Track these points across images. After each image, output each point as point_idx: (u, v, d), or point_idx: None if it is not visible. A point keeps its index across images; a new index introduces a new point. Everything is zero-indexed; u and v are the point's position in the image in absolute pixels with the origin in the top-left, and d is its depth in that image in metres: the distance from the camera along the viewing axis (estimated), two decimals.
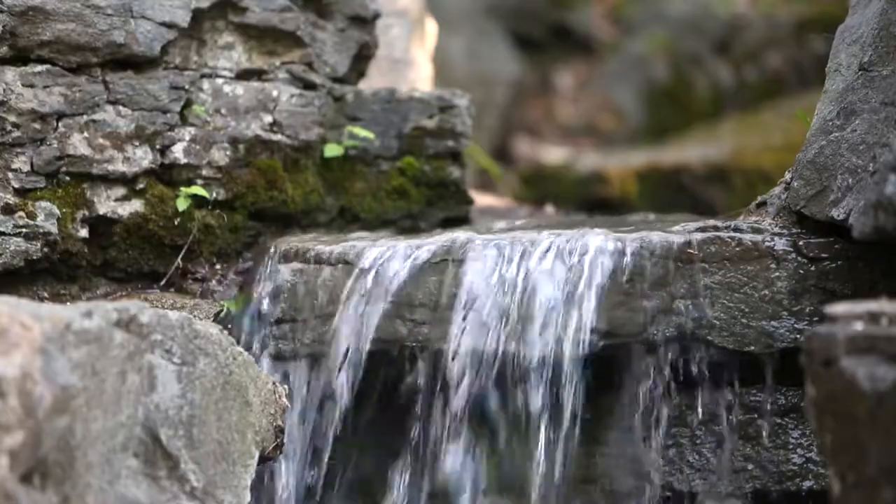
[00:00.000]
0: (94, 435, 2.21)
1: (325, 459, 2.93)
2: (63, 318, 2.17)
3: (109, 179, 3.08)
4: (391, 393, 2.91)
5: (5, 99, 2.96)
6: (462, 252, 2.87)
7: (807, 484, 2.80)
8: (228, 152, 3.20)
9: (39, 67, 3.00)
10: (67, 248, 3.03)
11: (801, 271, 2.81)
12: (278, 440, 2.58)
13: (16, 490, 2.02)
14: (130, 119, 3.08)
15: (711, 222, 2.95)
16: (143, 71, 3.11)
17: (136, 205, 3.11)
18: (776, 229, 2.88)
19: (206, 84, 3.21)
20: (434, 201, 3.41)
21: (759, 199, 3.05)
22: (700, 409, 2.83)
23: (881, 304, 2.11)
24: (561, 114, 7.53)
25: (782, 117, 5.94)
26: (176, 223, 3.13)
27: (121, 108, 3.08)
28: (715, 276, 2.81)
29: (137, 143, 3.09)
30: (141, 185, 3.11)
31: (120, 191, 3.10)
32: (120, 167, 3.08)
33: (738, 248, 2.81)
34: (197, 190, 3.13)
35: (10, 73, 2.97)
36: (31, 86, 2.99)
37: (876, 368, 2.00)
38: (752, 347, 2.79)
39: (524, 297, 2.81)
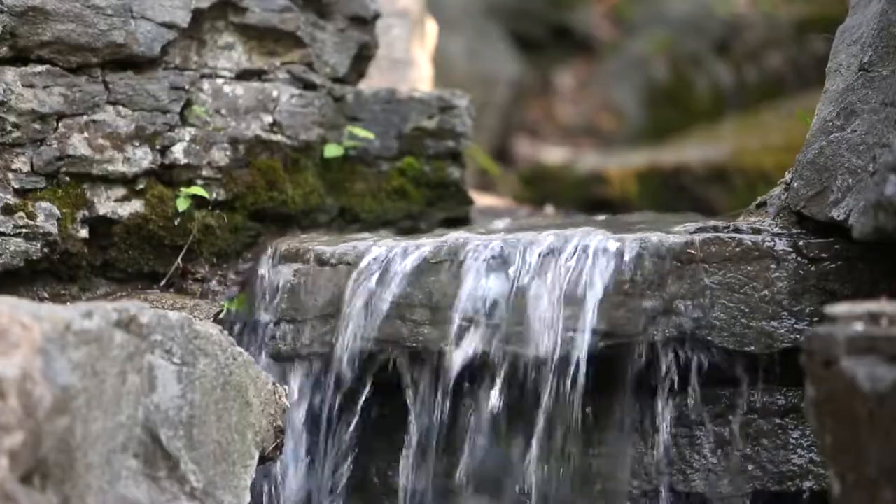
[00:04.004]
0: (94, 435, 2.21)
1: (326, 459, 2.93)
2: (63, 319, 2.17)
3: (109, 180, 3.08)
4: (392, 393, 2.91)
5: (5, 99, 2.96)
6: (462, 252, 2.87)
7: (807, 484, 2.80)
8: (228, 152, 3.20)
9: (39, 68, 3.00)
10: (67, 248, 3.03)
11: (801, 272, 2.81)
12: (278, 440, 2.58)
13: (16, 491, 2.02)
14: (130, 119, 3.08)
15: (711, 222, 2.95)
16: (143, 71, 3.11)
17: (136, 205, 3.11)
18: (776, 230, 2.88)
19: (206, 84, 3.21)
20: (434, 202, 3.41)
21: (759, 199, 3.05)
22: (700, 410, 2.83)
23: (881, 305, 2.11)
24: (561, 114, 7.53)
25: (782, 117, 5.94)
26: (176, 223, 3.13)
27: (121, 108, 3.08)
28: (715, 276, 2.81)
29: (137, 144, 3.09)
30: (141, 186, 3.11)
31: (120, 191, 3.10)
32: (120, 167, 3.08)
33: (738, 249, 2.81)
34: (197, 190, 3.13)
35: (10, 74, 2.97)
36: (31, 86, 2.99)
37: (876, 369, 2.00)
38: (752, 348, 2.79)
39: (524, 298, 2.81)
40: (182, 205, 3.12)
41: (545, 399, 2.79)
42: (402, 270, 2.88)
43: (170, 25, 3.11)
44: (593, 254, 2.82)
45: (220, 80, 3.23)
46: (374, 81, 3.70)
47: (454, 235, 2.95)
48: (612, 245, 2.83)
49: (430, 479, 2.88)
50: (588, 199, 5.84)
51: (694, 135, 6.58)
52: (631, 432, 2.85)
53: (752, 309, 2.80)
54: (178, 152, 3.14)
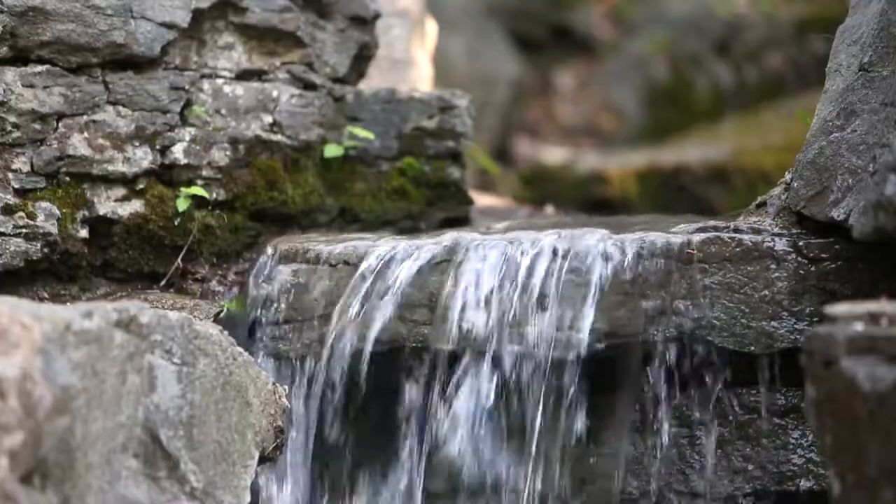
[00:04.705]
0: (94, 435, 2.21)
1: (325, 459, 2.93)
2: (63, 319, 2.17)
3: (109, 180, 3.08)
4: (392, 393, 2.91)
5: (5, 99, 2.96)
6: (462, 252, 2.87)
7: (807, 484, 2.80)
8: (228, 153, 3.20)
9: (39, 68, 3.00)
10: (67, 248, 3.03)
11: (802, 272, 2.81)
12: (278, 441, 2.58)
13: (16, 491, 2.02)
14: (130, 119, 3.08)
15: (711, 222, 2.95)
16: (143, 71, 3.11)
17: (136, 205, 3.11)
18: (776, 230, 2.88)
19: (206, 84, 3.21)
20: (434, 202, 3.41)
21: (759, 199, 3.05)
22: (700, 410, 2.83)
23: (881, 305, 2.11)
24: (561, 114, 7.53)
25: (782, 117, 5.94)
26: (176, 223, 3.13)
27: (121, 108, 3.08)
28: (715, 276, 2.81)
29: (137, 144, 3.09)
30: (141, 186, 3.11)
31: (120, 191, 3.10)
32: (120, 167, 3.08)
33: (738, 249, 2.81)
34: (197, 190, 3.13)
35: (10, 74, 2.97)
36: (31, 86, 2.99)
37: (876, 369, 2.00)
38: (752, 348, 2.79)
39: (524, 298, 2.81)
40: (182, 205, 3.12)
41: (545, 399, 2.79)
42: (402, 271, 2.88)
43: (170, 25, 3.11)
44: (594, 254, 2.82)
45: (220, 80, 3.23)
46: (374, 81, 3.70)
47: (454, 235, 2.95)
48: (612, 245, 2.83)
49: (430, 479, 2.88)
50: (588, 199, 5.84)
51: (694, 135, 6.58)
52: (631, 432, 2.85)
53: (752, 309, 2.80)
54: (178, 152, 3.14)
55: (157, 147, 3.12)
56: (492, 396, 2.82)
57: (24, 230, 2.96)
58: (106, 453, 2.25)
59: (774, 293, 2.80)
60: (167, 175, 3.15)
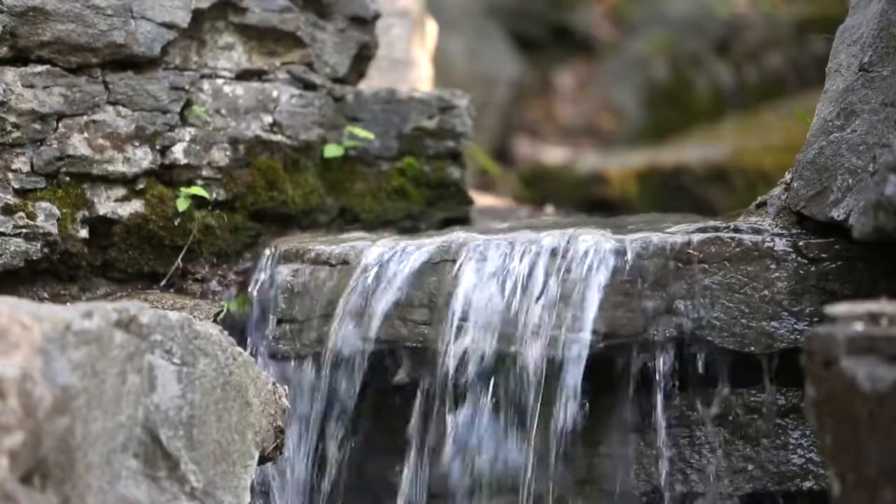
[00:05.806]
0: (94, 435, 2.21)
1: (326, 460, 2.93)
2: (63, 319, 2.16)
3: (109, 180, 3.08)
4: (391, 393, 2.91)
5: (5, 99, 2.96)
6: (462, 252, 2.87)
7: (807, 484, 2.80)
8: (228, 153, 3.20)
9: (39, 68, 3.00)
10: (67, 248, 3.03)
11: (802, 272, 2.81)
12: (278, 441, 2.58)
13: (16, 491, 2.02)
14: (130, 119, 3.08)
15: (711, 222, 2.95)
16: (143, 71, 3.11)
17: (136, 205, 3.11)
18: (776, 230, 2.88)
19: (206, 84, 3.21)
20: (434, 202, 3.41)
21: (759, 199, 3.05)
22: (700, 410, 2.83)
23: (881, 305, 2.11)
24: (561, 114, 7.53)
25: (782, 117, 5.94)
26: (176, 224, 3.13)
27: (121, 108, 3.08)
28: (715, 276, 2.81)
29: (137, 144, 3.09)
30: (141, 186, 3.11)
31: (120, 191, 3.10)
32: (120, 167, 3.08)
33: (738, 249, 2.82)
34: (197, 190, 3.13)
35: (10, 74, 2.97)
36: (31, 86, 2.99)
37: (876, 369, 2.00)
38: (752, 348, 2.79)
39: (524, 298, 2.81)
40: (182, 205, 3.12)
41: (545, 399, 2.79)
42: (402, 271, 2.88)
43: (170, 25, 3.11)
44: (593, 254, 2.82)
45: (220, 80, 3.23)
46: (374, 81, 3.70)
47: (454, 235, 2.95)
48: (612, 245, 2.83)
49: (430, 479, 2.88)
50: (588, 199, 5.84)
51: (694, 135, 6.58)
52: (631, 432, 2.85)
53: (753, 309, 2.80)
54: (178, 152, 3.14)
55: (157, 147, 3.12)
56: (490, 396, 2.82)
57: (24, 230, 2.96)
58: (106, 453, 2.25)
59: (774, 293, 2.80)
60: (167, 175, 3.15)
